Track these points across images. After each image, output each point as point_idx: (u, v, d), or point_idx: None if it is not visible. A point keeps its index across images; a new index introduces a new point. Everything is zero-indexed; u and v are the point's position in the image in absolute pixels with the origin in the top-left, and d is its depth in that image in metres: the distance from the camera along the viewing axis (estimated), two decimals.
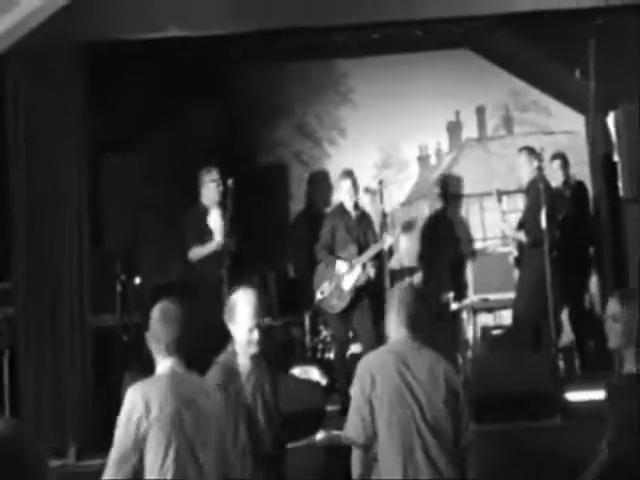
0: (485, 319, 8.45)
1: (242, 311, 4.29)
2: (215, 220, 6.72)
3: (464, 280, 8.43)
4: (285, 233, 9.00)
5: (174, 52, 6.76)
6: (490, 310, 8.36)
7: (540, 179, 6.81)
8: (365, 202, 7.94)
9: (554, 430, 5.69)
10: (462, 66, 8.80)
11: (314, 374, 6.91)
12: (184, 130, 8.35)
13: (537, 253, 6.77)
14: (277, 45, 7.84)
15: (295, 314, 8.06)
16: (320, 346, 7.87)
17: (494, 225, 8.23)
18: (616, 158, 6.28)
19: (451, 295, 8.41)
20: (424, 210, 9.04)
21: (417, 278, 8.31)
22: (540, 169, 6.90)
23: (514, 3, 5.79)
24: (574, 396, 6.19)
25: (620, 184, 6.26)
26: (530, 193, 7.19)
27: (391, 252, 8.06)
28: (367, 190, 8.02)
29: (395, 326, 4.08)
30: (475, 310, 8.21)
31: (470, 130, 9.10)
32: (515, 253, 7.39)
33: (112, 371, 6.40)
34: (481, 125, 9.09)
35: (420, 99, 8.79)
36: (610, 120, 6.31)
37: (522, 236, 7.18)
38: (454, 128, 9.08)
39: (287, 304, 8.27)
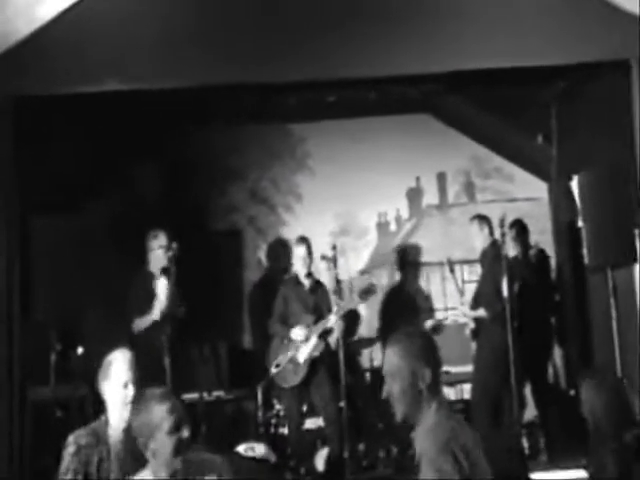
0: (446, 393, 8.09)
1: (118, 367, 4.26)
2: (160, 287, 6.33)
3: None
4: (238, 302, 8.66)
5: (115, 108, 6.43)
6: (451, 384, 8.01)
7: (494, 247, 6.56)
8: (321, 269, 7.68)
9: None
10: (422, 131, 8.66)
11: (261, 451, 6.51)
12: (128, 192, 8.05)
13: (495, 325, 6.47)
14: (230, 105, 7.62)
15: (247, 387, 7.69)
16: (273, 421, 7.48)
17: (455, 295, 7.92)
18: (580, 224, 6.01)
19: None
20: (383, 278, 8.77)
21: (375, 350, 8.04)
22: (494, 237, 6.65)
23: (469, 60, 5.55)
24: (539, 476, 5.83)
25: (584, 251, 5.97)
26: (484, 263, 6.92)
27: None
28: (323, 257, 7.72)
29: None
30: None
31: (431, 197, 8.91)
32: (472, 325, 7.03)
33: (45, 449, 5.91)
34: (442, 192, 8.91)
35: (379, 164, 8.56)
36: (574, 185, 6.06)
37: (482, 312, 6.88)
38: (414, 194, 8.89)
39: (239, 377, 7.94)
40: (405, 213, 8.91)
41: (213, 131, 8.55)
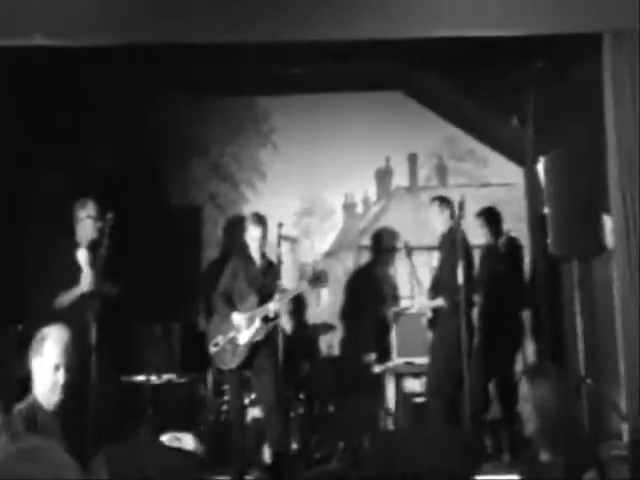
0: (411, 385, 7.74)
1: (52, 346, 3.92)
2: (81, 258, 5.87)
3: (388, 341, 7.72)
4: (195, 282, 8.23)
5: (49, 66, 5.96)
6: (416, 375, 7.63)
7: (454, 231, 6.17)
8: (282, 251, 7.27)
9: None
10: (394, 110, 8.25)
11: (187, 442, 6.08)
12: (73, 161, 7.45)
13: (452, 315, 6.05)
14: (190, 71, 7.20)
15: (202, 371, 7.32)
16: (224, 407, 7.12)
17: (424, 281, 7.55)
18: (545, 211, 5.59)
19: (373, 357, 7.75)
20: (348, 262, 8.38)
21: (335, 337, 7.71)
22: (455, 220, 6.23)
23: (441, 28, 5.17)
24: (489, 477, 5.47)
25: (549, 239, 5.56)
26: (443, 248, 6.51)
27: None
28: (286, 238, 7.32)
29: None
30: (399, 374, 7.52)
31: (400, 178, 8.52)
32: (429, 314, 6.63)
33: None
34: (412, 174, 8.52)
35: (348, 143, 8.17)
36: (540, 168, 5.64)
37: (440, 302, 6.47)
38: (383, 175, 8.50)
39: (193, 359, 7.50)
40: (373, 195, 8.54)
41: (174, 100, 8.09)
